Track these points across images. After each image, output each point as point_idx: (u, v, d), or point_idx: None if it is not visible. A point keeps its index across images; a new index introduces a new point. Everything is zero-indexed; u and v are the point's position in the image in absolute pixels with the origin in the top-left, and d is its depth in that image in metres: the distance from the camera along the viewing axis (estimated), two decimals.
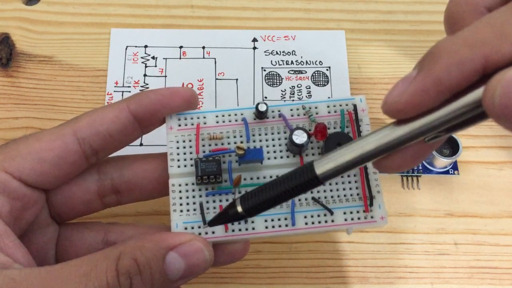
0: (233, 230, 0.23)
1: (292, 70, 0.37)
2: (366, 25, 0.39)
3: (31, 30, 0.37)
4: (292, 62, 0.37)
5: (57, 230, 0.26)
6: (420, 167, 0.34)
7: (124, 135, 0.25)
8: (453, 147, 0.33)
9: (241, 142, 0.24)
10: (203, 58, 0.37)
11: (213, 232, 0.23)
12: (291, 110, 0.25)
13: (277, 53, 0.37)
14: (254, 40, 0.38)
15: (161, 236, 0.22)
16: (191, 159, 0.24)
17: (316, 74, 0.37)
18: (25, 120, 0.35)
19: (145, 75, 0.36)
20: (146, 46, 0.37)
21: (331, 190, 0.24)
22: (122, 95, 0.35)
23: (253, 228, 0.23)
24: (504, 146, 0.35)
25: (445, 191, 0.34)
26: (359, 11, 0.39)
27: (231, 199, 0.24)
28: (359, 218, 0.24)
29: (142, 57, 0.37)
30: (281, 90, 0.36)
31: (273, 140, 0.25)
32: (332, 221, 0.24)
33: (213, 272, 0.31)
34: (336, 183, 0.24)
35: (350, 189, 0.24)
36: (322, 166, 0.20)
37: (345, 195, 0.24)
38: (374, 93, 0.36)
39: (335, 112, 0.25)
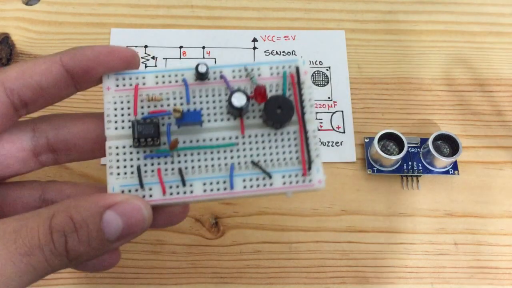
0: (171, 194, 0.23)
1: None
2: (366, 25, 0.39)
3: (31, 30, 0.37)
4: None
5: None
6: (420, 167, 0.34)
7: (56, 89, 0.23)
8: (453, 147, 0.33)
9: (181, 104, 0.24)
10: (203, 58, 0.37)
11: (150, 196, 0.23)
12: (233, 71, 0.24)
13: (277, 53, 0.37)
14: (254, 40, 0.38)
15: (98, 196, 0.21)
16: (129, 121, 0.23)
17: (316, 74, 0.37)
18: None
19: None
20: (146, 46, 0.37)
21: (270, 154, 0.24)
22: None
23: (191, 192, 0.23)
24: (504, 146, 0.35)
25: (445, 191, 0.34)
26: (359, 11, 0.39)
27: (170, 162, 0.23)
28: (297, 182, 0.23)
29: (142, 57, 0.37)
30: None
31: (213, 102, 0.24)
32: (271, 184, 0.23)
33: (213, 272, 0.31)
34: (276, 147, 0.24)
35: (290, 152, 0.24)
36: None
37: (284, 159, 0.23)
38: (374, 93, 0.36)
39: (277, 74, 0.24)
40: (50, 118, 0.25)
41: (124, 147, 0.23)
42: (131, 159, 0.23)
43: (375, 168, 0.34)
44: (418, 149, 0.34)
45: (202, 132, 0.24)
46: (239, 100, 0.23)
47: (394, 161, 0.33)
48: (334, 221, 0.33)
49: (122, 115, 0.23)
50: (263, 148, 0.24)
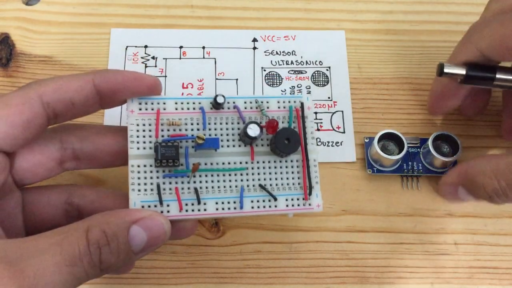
0: (186, 210, 0.25)
1: (292, 70, 0.37)
2: (366, 25, 0.39)
3: (31, 30, 0.37)
4: (292, 62, 0.37)
5: (20, 195, 0.26)
6: (420, 167, 0.34)
7: (85, 106, 0.25)
8: (453, 147, 0.33)
9: (198, 130, 0.26)
10: (203, 58, 0.37)
11: (168, 211, 0.25)
12: (245, 102, 0.27)
13: (277, 53, 0.37)
14: (254, 40, 0.38)
15: (124, 212, 0.23)
16: (150, 142, 0.26)
17: (316, 74, 0.37)
18: None
19: None
20: (146, 46, 0.37)
21: (276, 179, 0.27)
22: None
23: (205, 210, 0.25)
24: (504, 146, 0.35)
25: None
26: (359, 11, 0.39)
27: (186, 182, 0.25)
28: (298, 205, 0.27)
29: (142, 57, 0.37)
30: (281, 90, 0.36)
31: (227, 129, 0.27)
32: (275, 206, 0.26)
33: (213, 272, 0.31)
34: (281, 173, 0.27)
35: (293, 178, 0.27)
36: None
37: (288, 184, 0.27)
38: (374, 93, 0.36)
39: (284, 107, 0.27)
40: (76, 130, 0.27)
41: (145, 166, 0.25)
42: (151, 177, 0.25)
43: (375, 168, 0.34)
44: (418, 149, 0.34)
45: (216, 156, 0.26)
46: (254, 130, 0.26)
47: (394, 161, 0.33)
48: (334, 221, 0.33)
49: (144, 136, 0.26)
50: (270, 173, 0.27)
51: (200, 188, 0.26)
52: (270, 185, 0.26)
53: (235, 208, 0.26)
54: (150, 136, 0.26)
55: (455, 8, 0.40)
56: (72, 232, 0.21)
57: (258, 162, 0.27)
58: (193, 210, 0.25)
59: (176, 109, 0.26)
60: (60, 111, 0.25)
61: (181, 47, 0.37)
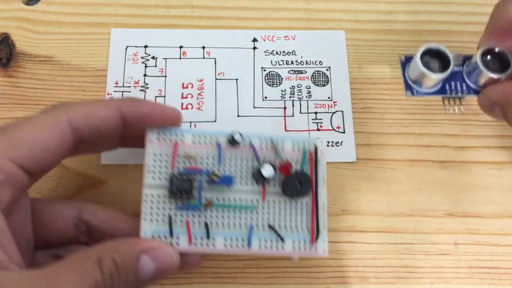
0: (195, 244, 0.25)
1: (292, 70, 0.37)
2: (366, 25, 0.39)
3: (31, 30, 0.37)
4: (292, 62, 0.37)
5: (29, 205, 0.26)
6: (465, 87, 0.30)
7: (109, 134, 0.26)
8: (502, 65, 0.29)
9: (213, 164, 0.27)
10: (203, 58, 0.37)
11: (177, 244, 0.25)
12: (260, 141, 0.27)
13: (277, 53, 0.37)
14: (254, 40, 0.38)
15: (135, 241, 0.24)
16: (165, 173, 0.26)
17: (316, 74, 0.37)
18: None
19: (145, 75, 0.36)
20: (146, 46, 0.37)
21: (284, 220, 0.27)
22: (122, 95, 0.35)
23: (213, 245, 0.26)
24: (504, 146, 0.35)
25: (445, 191, 0.34)
26: (359, 11, 0.39)
27: (197, 215, 0.26)
28: (304, 248, 0.27)
29: (142, 57, 0.37)
30: (281, 90, 0.36)
31: (241, 166, 0.27)
32: (282, 247, 0.26)
33: (213, 272, 0.31)
34: (290, 214, 0.27)
35: (301, 221, 0.27)
36: None
37: (296, 226, 0.27)
38: (374, 93, 0.36)
39: (298, 150, 0.28)
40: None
41: (158, 196, 0.26)
42: (164, 208, 0.26)
43: (414, 90, 0.30)
44: (461, 67, 0.30)
45: (228, 192, 0.27)
46: (267, 171, 0.26)
47: (437, 81, 0.29)
48: (334, 221, 0.33)
49: (160, 166, 0.26)
50: (280, 214, 0.27)
51: (210, 222, 0.26)
52: (279, 225, 0.27)
53: (242, 246, 0.26)
54: (166, 167, 0.26)
55: (455, 8, 0.40)
56: (88, 261, 0.22)
57: (268, 202, 0.27)
58: (201, 245, 0.25)
59: (193, 142, 0.27)
60: (86, 137, 0.25)
61: (181, 47, 0.37)
